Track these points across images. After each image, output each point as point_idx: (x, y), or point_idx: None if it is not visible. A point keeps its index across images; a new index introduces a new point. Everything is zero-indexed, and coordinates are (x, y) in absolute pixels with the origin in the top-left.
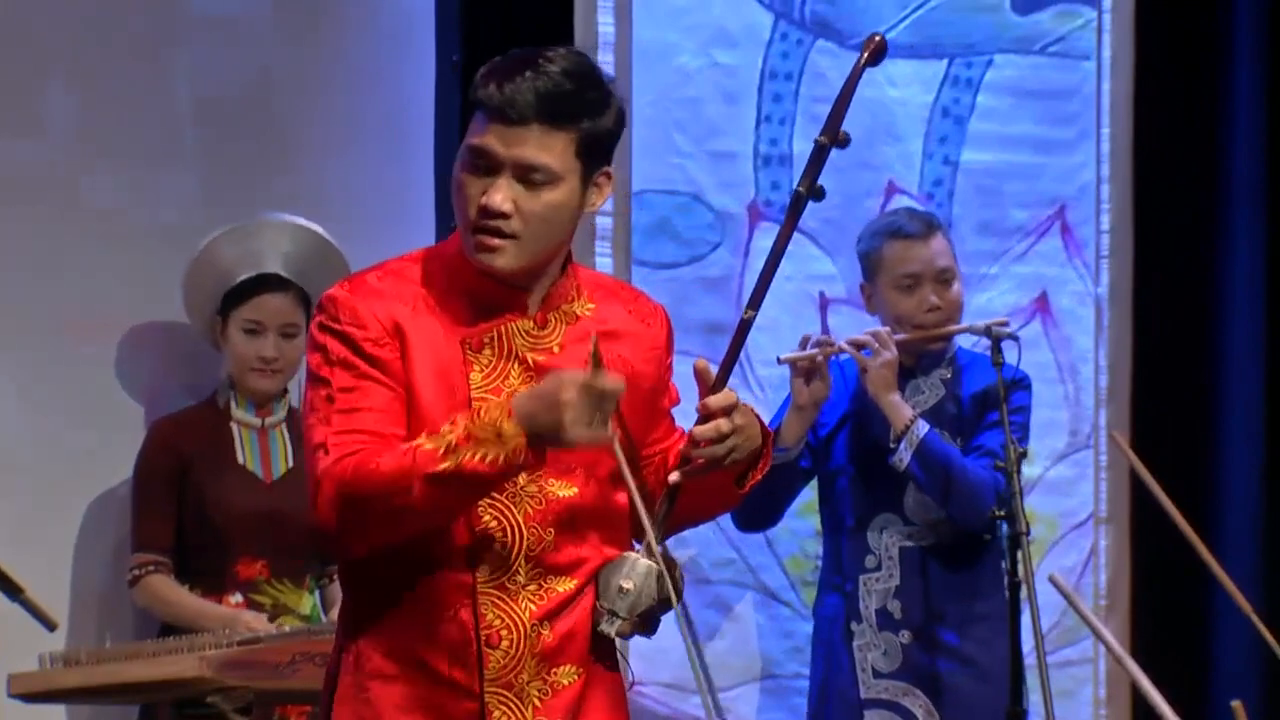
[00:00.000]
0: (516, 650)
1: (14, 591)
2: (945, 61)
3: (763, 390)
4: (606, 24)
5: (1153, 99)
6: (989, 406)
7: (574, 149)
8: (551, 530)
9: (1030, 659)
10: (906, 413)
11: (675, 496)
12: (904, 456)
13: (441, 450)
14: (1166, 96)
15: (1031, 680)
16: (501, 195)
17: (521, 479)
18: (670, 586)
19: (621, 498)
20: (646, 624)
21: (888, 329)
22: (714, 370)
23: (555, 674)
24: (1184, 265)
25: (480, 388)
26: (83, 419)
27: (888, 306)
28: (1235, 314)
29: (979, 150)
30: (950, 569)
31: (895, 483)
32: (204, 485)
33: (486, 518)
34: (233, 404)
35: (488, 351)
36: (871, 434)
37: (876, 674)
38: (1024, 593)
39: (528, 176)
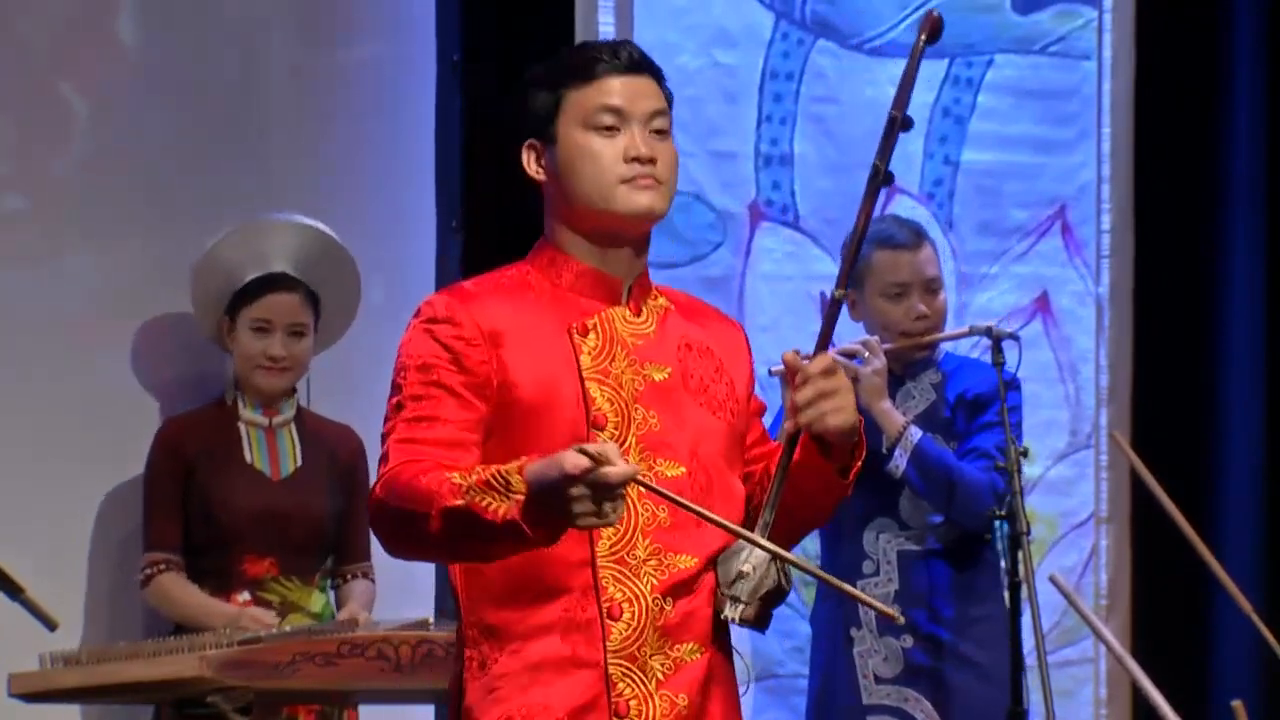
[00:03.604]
0: (638, 623)
1: (14, 591)
2: (945, 61)
3: (763, 389)
4: (607, 24)
5: (1153, 99)
6: (980, 409)
7: (668, 107)
8: (664, 507)
9: (1030, 659)
10: (899, 419)
11: (788, 466)
12: (900, 463)
13: (463, 487)
14: (1166, 96)
15: (1032, 680)
16: (645, 144)
17: (633, 456)
18: (785, 569)
19: (733, 478)
20: (766, 610)
21: (876, 337)
22: (804, 361)
23: (678, 650)
24: (1184, 265)
25: (590, 369)
26: (93, 417)
27: (875, 314)
28: (1235, 314)
29: (979, 150)
30: (949, 571)
31: (889, 487)
32: (209, 484)
33: None
34: (240, 404)
35: (593, 336)
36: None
37: (878, 679)
38: (1024, 593)
39: (653, 124)
